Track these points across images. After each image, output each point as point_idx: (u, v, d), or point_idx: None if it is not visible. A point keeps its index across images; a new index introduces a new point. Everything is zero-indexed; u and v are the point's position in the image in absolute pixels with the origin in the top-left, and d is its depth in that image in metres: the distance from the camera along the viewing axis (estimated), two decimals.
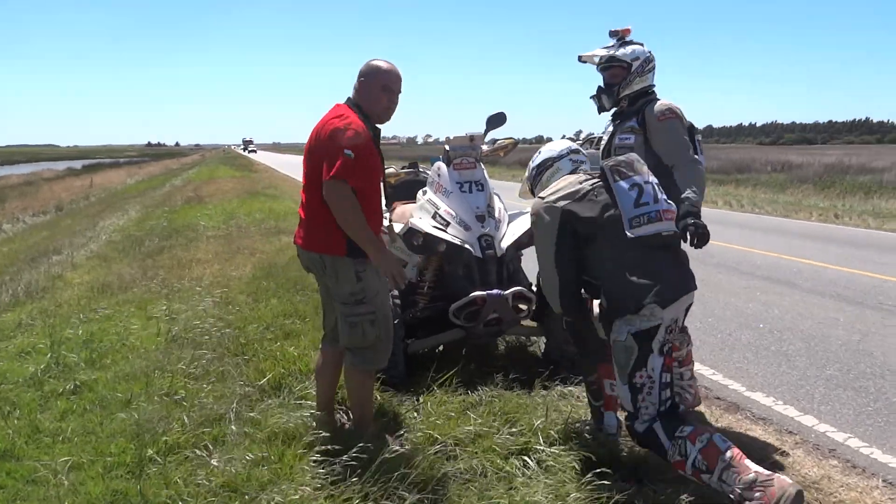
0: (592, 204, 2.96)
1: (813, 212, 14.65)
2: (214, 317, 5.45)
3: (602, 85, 3.81)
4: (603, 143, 3.95)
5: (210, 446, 3.21)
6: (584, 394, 3.84)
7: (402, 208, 4.60)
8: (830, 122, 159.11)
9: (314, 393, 3.71)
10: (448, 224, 4.22)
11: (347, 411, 3.63)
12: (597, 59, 3.76)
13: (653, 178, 3.04)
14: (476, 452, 3.09)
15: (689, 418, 2.98)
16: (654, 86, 3.81)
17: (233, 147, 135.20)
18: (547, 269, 3.07)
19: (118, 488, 2.91)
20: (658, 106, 3.64)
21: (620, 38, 3.79)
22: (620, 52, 3.72)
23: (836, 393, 4.24)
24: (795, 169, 26.73)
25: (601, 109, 3.89)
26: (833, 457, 3.44)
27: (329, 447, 3.05)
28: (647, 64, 3.74)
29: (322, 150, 3.03)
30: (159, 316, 5.62)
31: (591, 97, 3.90)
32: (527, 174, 3.46)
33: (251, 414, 3.56)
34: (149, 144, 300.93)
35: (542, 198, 3.10)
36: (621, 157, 3.10)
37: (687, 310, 3.08)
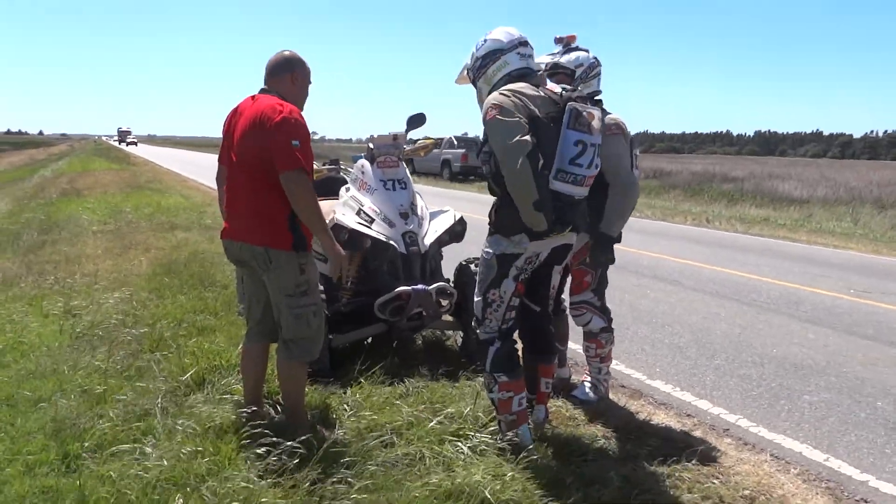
0: (543, 125, 2.95)
1: (687, 216, 15.74)
2: (121, 313, 5.26)
3: None
4: None
5: (142, 441, 3.15)
6: None
7: (321, 204, 4.64)
8: (696, 133, 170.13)
9: (238, 387, 3.70)
10: (373, 221, 4.31)
11: (275, 405, 3.66)
12: (542, 66, 3.68)
13: (598, 140, 3.05)
14: (412, 439, 3.21)
15: (514, 367, 3.26)
16: (599, 91, 3.81)
17: (104, 138, 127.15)
18: (510, 150, 2.88)
19: (48, 485, 2.82)
20: (607, 119, 3.59)
21: (566, 44, 3.80)
22: (564, 58, 3.74)
23: (724, 380, 4.67)
24: (667, 176, 28.54)
25: None
26: (727, 436, 3.82)
27: (264, 440, 3.08)
28: (591, 70, 3.74)
29: (267, 140, 3.01)
30: (58, 313, 5.36)
31: None
32: (469, 62, 3.30)
33: (179, 409, 3.52)
34: (8, 132, 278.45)
35: (503, 92, 3.03)
36: (590, 108, 3.05)
37: (564, 254, 3.30)
